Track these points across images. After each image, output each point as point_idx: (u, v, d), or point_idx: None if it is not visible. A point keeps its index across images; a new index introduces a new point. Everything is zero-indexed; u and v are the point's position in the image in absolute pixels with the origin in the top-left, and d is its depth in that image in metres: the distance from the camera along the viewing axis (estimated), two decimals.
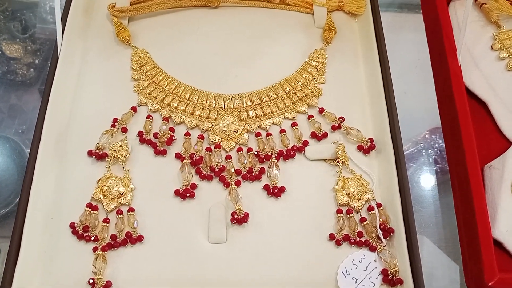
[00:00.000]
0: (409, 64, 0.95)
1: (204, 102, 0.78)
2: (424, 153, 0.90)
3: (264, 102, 0.79)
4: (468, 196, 0.72)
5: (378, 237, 0.69)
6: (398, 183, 0.71)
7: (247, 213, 0.70)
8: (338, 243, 0.69)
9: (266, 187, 0.72)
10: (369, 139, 0.76)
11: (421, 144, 0.91)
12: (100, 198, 0.70)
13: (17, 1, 1.03)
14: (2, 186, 0.86)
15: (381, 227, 0.69)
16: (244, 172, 0.73)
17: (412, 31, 1.00)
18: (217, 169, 0.73)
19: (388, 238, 0.69)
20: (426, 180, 0.88)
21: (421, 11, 0.97)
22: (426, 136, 0.92)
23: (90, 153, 0.74)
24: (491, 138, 0.81)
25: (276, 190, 0.72)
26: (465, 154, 0.73)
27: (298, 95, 0.80)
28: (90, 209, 0.69)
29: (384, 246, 0.68)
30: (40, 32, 1.00)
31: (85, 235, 0.68)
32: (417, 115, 0.92)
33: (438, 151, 0.90)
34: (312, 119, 0.78)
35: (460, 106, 0.77)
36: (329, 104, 0.80)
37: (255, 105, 0.79)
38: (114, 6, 0.87)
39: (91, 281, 0.65)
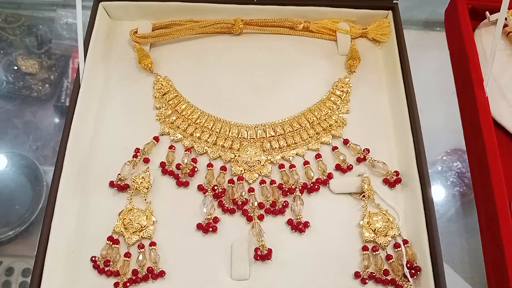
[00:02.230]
0: (429, 82, 0.94)
1: (227, 132, 0.77)
2: (443, 175, 0.88)
3: (288, 133, 0.78)
4: (496, 235, 0.70)
5: (405, 276, 0.67)
6: (425, 218, 0.69)
7: (271, 249, 0.69)
8: (363, 282, 0.68)
9: (290, 222, 0.71)
10: (394, 172, 0.75)
11: (439, 166, 0.89)
12: (121, 231, 0.69)
13: (33, 16, 1.03)
14: (17, 204, 0.85)
15: (408, 265, 0.67)
16: (267, 206, 0.72)
17: (434, 49, 0.99)
18: (240, 202, 0.72)
19: (415, 276, 0.67)
20: (445, 202, 0.85)
21: (443, 28, 0.96)
22: (444, 158, 0.90)
23: (111, 185, 0.73)
24: None
25: (300, 226, 0.70)
26: (493, 193, 0.71)
27: (322, 125, 0.79)
28: (111, 243, 0.69)
29: (411, 285, 0.66)
30: (56, 48, 1.00)
31: (106, 269, 0.67)
32: (435, 135, 0.89)
33: (456, 173, 0.88)
34: (336, 150, 0.77)
35: (488, 141, 0.75)
36: (354, 134, 0.79)
37: (278, 135, 0.78)
38: (136, 32, 0.86)
39: None
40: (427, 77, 0.94)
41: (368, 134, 0.79)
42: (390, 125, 0.80)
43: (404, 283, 0.67)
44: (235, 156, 0.76)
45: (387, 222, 0.71)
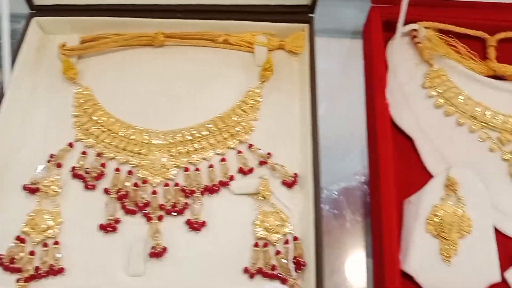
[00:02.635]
0: (352, 89, 0.97)
1: (137, 139, 0.82)
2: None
3: (195, 138, 0.82)
4: (379, 228, 0.74)
5: (290, 270, 0.71)
6: (315, 218, 0.73)
7: (165, 247, 0.73)
8: (251, 276, 0.72)
9: (188, 222, 0.76)
10: (294, 174, 0.79)
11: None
12: (28, 231, 0.74)
13: None
14: None
15: (295, 260, 0.72)
16: (168, 207, 0.77)
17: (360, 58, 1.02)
18: (142, 204, 0.76)
19: (300, 271, 0.72)
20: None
21: None
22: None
23: (24, 187, 0.78)
24: (416, 174, 0.83)
25: (196, 225, 0.75)
26: (380, 188, 0.76)
27: (230, 131, 0.84)
28: (18, 242, 0.73)
29: (294, 279, 0.71)
30: None
31: (10, 266, 0.71)
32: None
33: None
34: (240, 154, 0.81)
35: (381, 140, 0.79)
36: (260, 140, 0.83)
37: (186, 140, 0.82)
38: (65, 45, 0.91)
39: None
40: (353, 84, 0.98)
41: (275, 140, 0.84)
42: (297, 131, 0.85)
43: (288, 277, 0.71)
44: (142, 161, 0.80)
45: (280, 220, 0.75)
